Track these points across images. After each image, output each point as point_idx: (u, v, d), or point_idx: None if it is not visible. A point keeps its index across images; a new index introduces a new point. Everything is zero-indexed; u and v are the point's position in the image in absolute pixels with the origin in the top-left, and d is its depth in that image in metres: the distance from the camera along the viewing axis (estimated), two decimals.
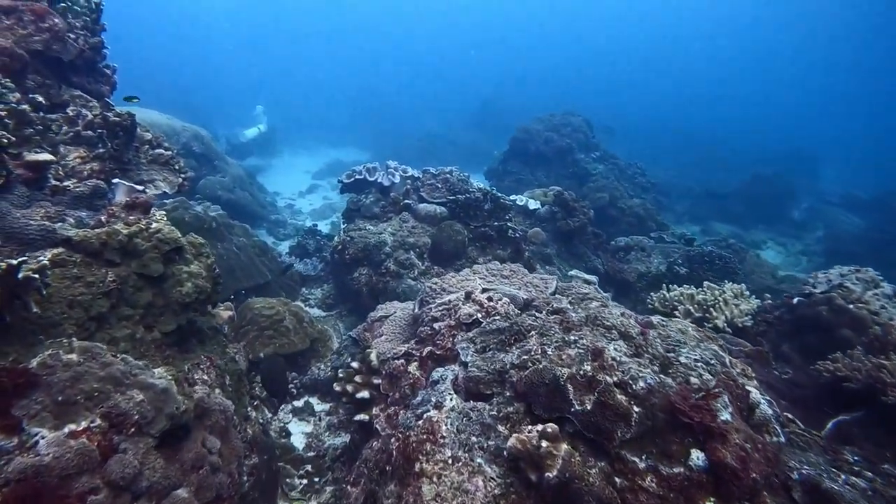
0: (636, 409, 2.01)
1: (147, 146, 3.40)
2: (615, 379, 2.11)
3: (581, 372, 2.15)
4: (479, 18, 45.60)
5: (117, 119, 3.06)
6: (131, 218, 2.51)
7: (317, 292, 6.11)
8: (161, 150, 3.43)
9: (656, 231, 8.85)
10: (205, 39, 36.99)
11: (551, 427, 2.02)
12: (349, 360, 4.28)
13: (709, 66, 41.48)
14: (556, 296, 3.25)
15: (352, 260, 5.13)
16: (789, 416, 2.30)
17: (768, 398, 2.34)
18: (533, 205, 6.46)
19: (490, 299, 3.07)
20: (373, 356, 3.37)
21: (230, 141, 15.08)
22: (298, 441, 3.79)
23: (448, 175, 5.92)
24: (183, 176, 3.49)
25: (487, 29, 44.41)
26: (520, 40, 42.73)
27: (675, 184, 14.71)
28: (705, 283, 4.13)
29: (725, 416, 1.97)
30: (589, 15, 45.02)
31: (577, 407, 2.06)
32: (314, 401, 4.29)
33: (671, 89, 36.42)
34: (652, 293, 4.45)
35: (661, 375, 2.17)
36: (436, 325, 3.04)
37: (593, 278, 4.97)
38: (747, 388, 2.24)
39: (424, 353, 2.91)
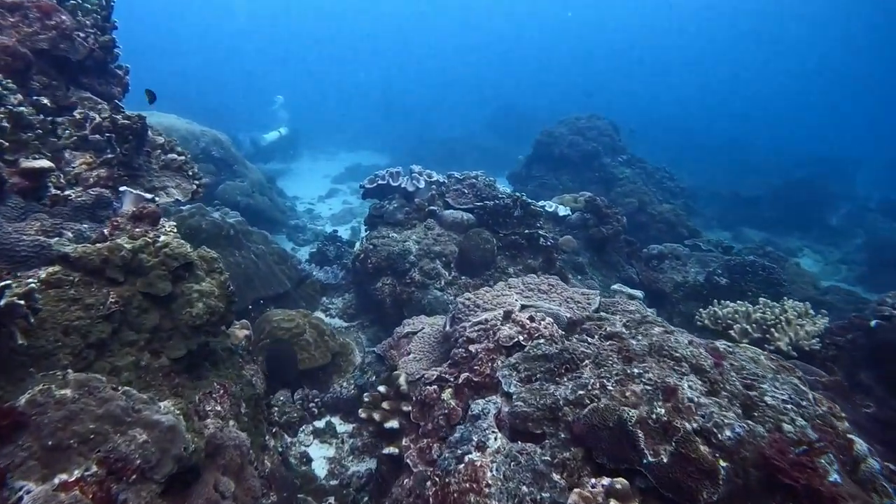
0: (723, 463, 1.68)
1: (159, 151, 3.17)
2: (695, 425, 1.78)
3: (653, 416, 1.82)
4: (496, 21, 45.30)
5: (127, 122, 2.82)
6: (137, 230, 2.25)
7: (337, 302, 5.86)
8: (174, 155, 3.19)
9: (690, 238, 8.43)
10: (226, 43, 37.35)
11: (620, 483, 1.69)
12: (373, 378, 4.00)
13: (733, 68, 40.60)
14: (604, 315, 2.92)
15: (374, 269, 4.86)
16: (891, 466, 1.94)
17: (869, 447, 1.99)
18: (563, 211, 6.12)
19: (532, 319, 2.75)
20: (401, 380, 3.07)
21: (255, 143, 14.98)
22: (320, 467, 3.51)
23: (474, 180, 5.62)
24: (197, 182, 3.24)
25: (504, 31, 44.13)
26: (538, 42, 42.36)
27: (701, 188, 14.17)
28: (761, 300, 3.76)
29: (834, 476, 1.63)
30: (609, 14, 44.32)
31: (650, 459, 1.73)
32: (336, 421, 4.01)
33: (694, 91, 35.70)
34: (700, 309, 4.09)
35: (748, 421, 1.83)
36: (472, 348, 2.74)
37: (638, 293, 4.61)
38: (849, 436, 1.89)
39: (461, 380, 2.60)
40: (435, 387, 2.72)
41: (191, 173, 3.25)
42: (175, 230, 2.46)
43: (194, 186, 3.16)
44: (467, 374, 2.60)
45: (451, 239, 5.00)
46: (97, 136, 2.76)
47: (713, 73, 39.86)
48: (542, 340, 2.56)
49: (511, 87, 28.41)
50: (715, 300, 4.19)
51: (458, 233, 5.07)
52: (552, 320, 2.78)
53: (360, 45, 41.60)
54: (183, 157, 3.25)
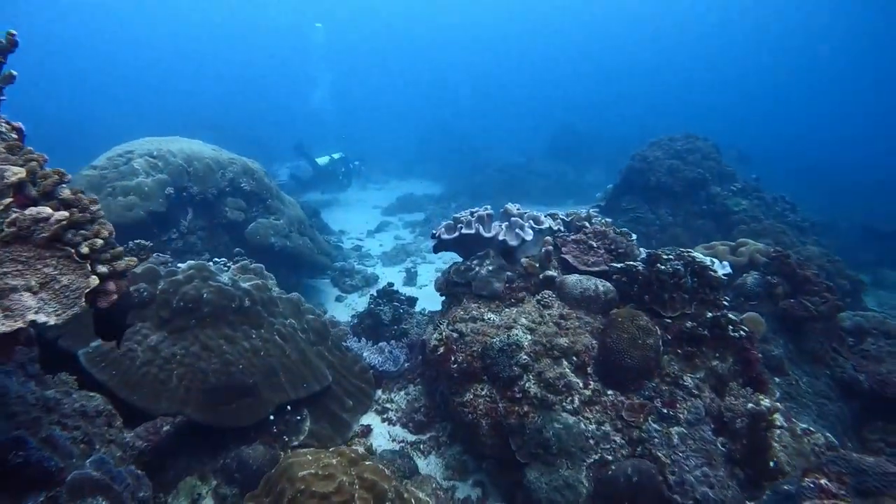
0: None
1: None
2: None
3: None
4: (552, 41, 43.48)
5: None
6: None
7: (399, 398, 3.98)
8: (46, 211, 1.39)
9: (852, 293, 6.16)
10: (267, 68, 37.17)
11: None
12: None
13: (817, 79, 37.07)
14: None
15: (461, 372, 2.98)
16: None
17: None
18: (722, 269, 4.06)
19: None
20: None
21: (295, 174, 13.55)
22: None
23: (602, 227, 3.68)
24: (121, 265, 1.45)
25: (558, 50, 42.25)
26: (600, 61, 40.17)
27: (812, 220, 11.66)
28: None
29: None
30: (683, 29, 41.42)
31: None
32: None
33: (766, 107, 32.53)
34: None
35: None
36: None
37: None
38: None
39: None
40: None
41: (98, 247, 1.45)
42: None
43: (89, 285, 1.36)
44: None
45: (583, 324, 3.06)
46: None
47: (787, 86, 36.46)
48: None
49: (569, 108, 26.45)
50: None
51: (591, 313, 3.13)
52: None
53: (409, 69, 40.82)
54: (87, 212, 1.45)
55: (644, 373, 2.85)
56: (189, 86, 30.43)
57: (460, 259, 3.83)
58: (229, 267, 4.74)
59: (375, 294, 5.57)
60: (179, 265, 4.08)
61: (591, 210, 4.59)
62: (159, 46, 38.04)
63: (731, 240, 7.07)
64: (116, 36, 37.57)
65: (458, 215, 3.60)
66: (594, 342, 3.00)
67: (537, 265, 3.31)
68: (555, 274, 3.26)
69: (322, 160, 13.64)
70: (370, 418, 3.89)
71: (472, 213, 3.58)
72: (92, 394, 2.32)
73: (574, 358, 2.94)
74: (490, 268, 3.23)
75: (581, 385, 2.87)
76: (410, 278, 8.40)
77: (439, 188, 16.32)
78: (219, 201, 6.47)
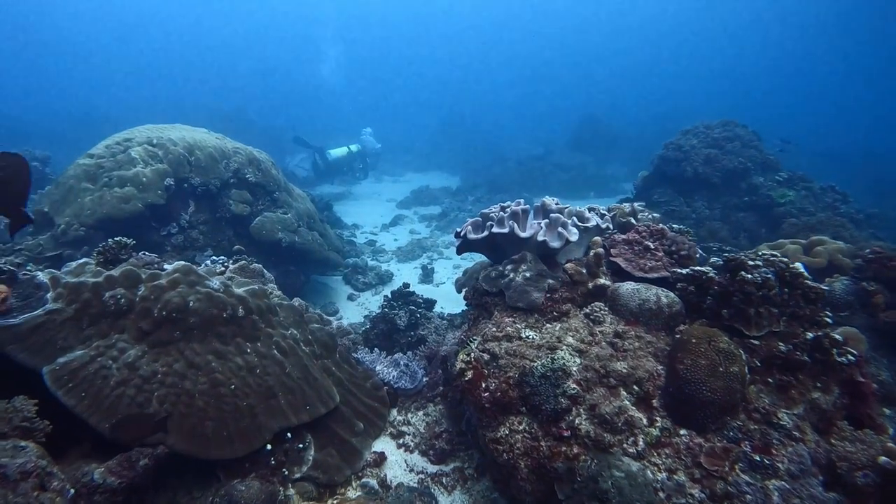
0: None
1: None
2: None
3: None
4: (572, 32, 42.21)
5: None
6: None
7: (417, 420, 3.41)
8: None
9: None
10: (281, 59, 36.64)
11: None
12: None
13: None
14: None
15: (494, 402, 2.39)
16: None
17: None
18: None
19: None
20: None
21: (316, 166, 13.07)
22: None
23: (656, 225, 3.06)
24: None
25: (582, 42, 40.98)
26: (620, 51, 38.90)
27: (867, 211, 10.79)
28: None
29: None
30: (699, 19, 39.87)
31: None
32: None
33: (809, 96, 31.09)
34: None
35: None
36: None
37: None
38: None
39: None
40: None
41: None
42: None
43: None
44: None
45: (644, 344, 2.45)
46: None
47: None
48: None
49: (590, 99, 25.54)
50: None
51: (652, 330, 2.52)
52: None
53: (426, 60, 40.00)
54: None
55: (727, 408, 2.23)
56: (201, 75, 30.03)
57: (485, 260, 3.23)
58: (227, 266, 4.22)
59: (390, 296, 5.01)
60: (166, 266, 3.55)
61: (635, 204, 3.95)
62: (173, 32, 37.68)
63: (782, 236, 6.39)
64: (124, 22, 37.20)
65: (486, 211, 2.99)
66: (659, 368, 2.39)
67: (584, 271, 2.70)
68: (608, 282, 2.64)
69: (338, 151, 13.09)
70: (384, 443, 3.33)
71: (502, 208, 2.97)
72: (22, 444, 1.78)
73: (635, 387, 2.33)
74: (527, 274, 2.62)
75: (645, 422, 2.27)
76: (427, 275, 7.83)
77: (456, 181, 15.68)
78: (222, 193, 5.95)
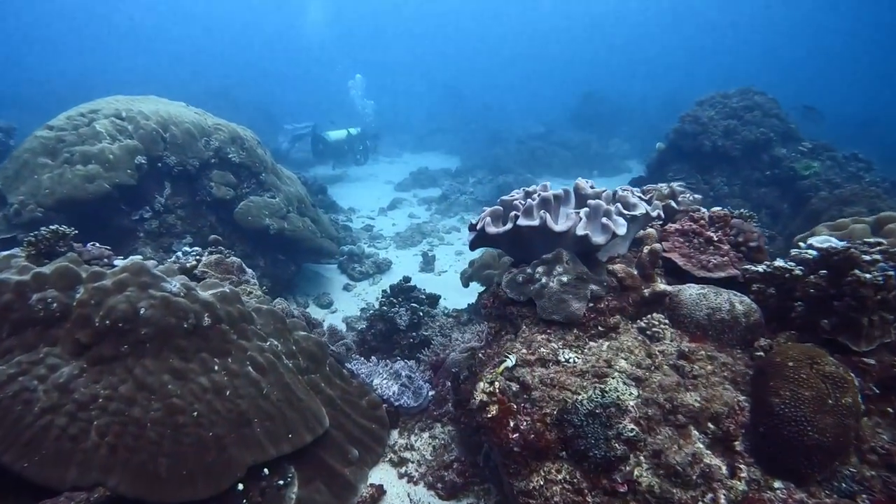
0: None
1: None
2: None
3: None
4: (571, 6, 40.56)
5: None
6: None
7: (422, 444, 2.84)
8: None
9: None
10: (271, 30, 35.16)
11: None
12: None
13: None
14: None
15: (526, 446, 1.81)
16: None
17: None
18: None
19: None
20: None
21: (317, 146, 12.48)
22: None
23: (721, 212, 2.45)
24: None
25: (580, 15, 39.39)
26: (620, 21, 37.39)
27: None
28: None
29: None
30: None
31: None
32: None
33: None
34: None
35: None
36: None
37: None
38: None
39: None
40: None
41: None
42: None
43: None
44: None
45: (718, 367, 1.85)
46: None
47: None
48: None
49: (590, 74, 24.57)
50: None
51: (725, 346, 1.93)
52: None
53: (423, 38, 38.57)
54: None
55: (837, 451, 1.66)
56: (194, 48, 28.78)
57: (492, 249, 2.61)
58: (200, 259, 3.60)
59: (389, 291, 4.40)
60: (116, 262, 2.93)
61: (675, 184, 3.34)
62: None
63: (813, 212, 5.79)
64: None
65: (508, 198, 2.36)
66: (740, 398, 1.80)
67: (636, 273, 2.09)
68: (669, 288, 2.03)
69: (338, 134, 12.47)
70: (383, 472, 2.76)
71: (527, 194, 2.34)
72: None
73: (711, 426, 1.75)
74: (564, 278, 2.01)
75: (727, 472, 1.69)
76: (427, 263, 7.23)
77: (455, 161, 14.95)
78: (202, 175, 5.29)
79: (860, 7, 32.02)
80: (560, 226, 2.04)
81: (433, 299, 4.42)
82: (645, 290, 2.04)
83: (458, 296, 5.45)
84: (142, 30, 31.92)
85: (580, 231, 2.01)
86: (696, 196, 3.36)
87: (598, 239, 2.04)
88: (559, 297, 1.99)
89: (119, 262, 2.74)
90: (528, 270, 2.10)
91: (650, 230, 2.28)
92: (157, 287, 2.46)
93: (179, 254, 3.86)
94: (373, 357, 3.33)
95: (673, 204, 2.98)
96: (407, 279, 4.55)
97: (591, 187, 2.41)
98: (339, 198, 10.96)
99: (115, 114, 4.95)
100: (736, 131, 7.18)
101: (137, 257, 2.73)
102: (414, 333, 3.92)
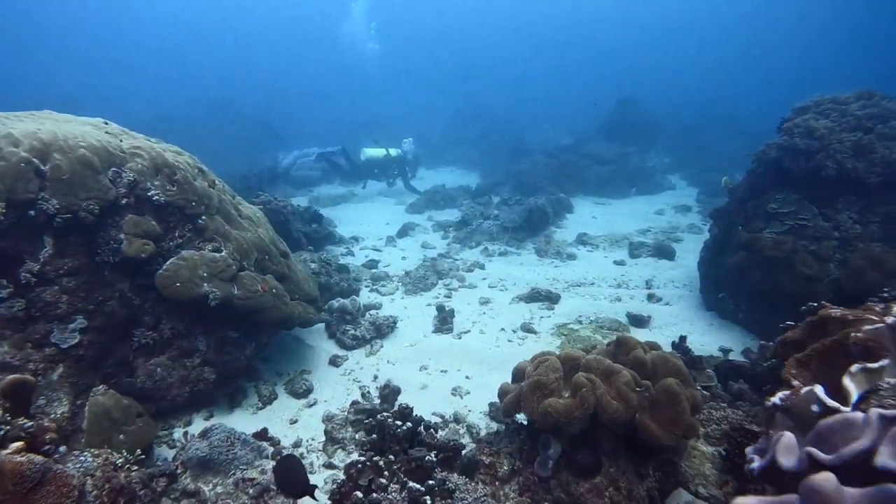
0: None
1: None
2: None
3: None
4: (597, 12, 37.95)
5: None
6: None
7: None
8: None
9: None
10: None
11: None
12: None
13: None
14: None
15: None
16: None
17: None
18: None
19: None
20: None
21: (339, 164, 11.01)
22: None
23: None
24: None
25: (610, 22, 36.80)
26: (654, 25, 34.71)
27: None
28: None
29: None
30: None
31: None
32: None
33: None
34: None
35: None
36: None
37: None
38: None
39: None
40: None
41: None
42: None
43: None
44: None
45: None
46: None
47: None
48: None
49: (624, 81, 22.29)
50: None
51: None
52: None
53: (437, 35, 36.42)
54: None
55: None
56: (197, 57, 27.25)
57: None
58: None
59: (375, 436, 2.38)
60: None
61: None
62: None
63: None
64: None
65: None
66: None
67: None
68: None
69: (375, 151, 10.99)
70: None
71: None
72: None
73: None
74: None
75: None
76: (444, 321, 5.20)
77: (475, 178, 12.93)
78: (107, 223, 3.37)
79: None
80: None
81: (453, 452, 2.38)
82: None
83: (486, 372, 3.48)
84: (145, 40, 30.65)
85: None
86: None
87: None
88: None
89: None
90: None
91: None
92: None
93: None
94: None
95: None
96: (408, 409, 2.52)
97: None
98: (343, 221, 9.04)
99: None
100: (871, 149, 5.01)
101: None
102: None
